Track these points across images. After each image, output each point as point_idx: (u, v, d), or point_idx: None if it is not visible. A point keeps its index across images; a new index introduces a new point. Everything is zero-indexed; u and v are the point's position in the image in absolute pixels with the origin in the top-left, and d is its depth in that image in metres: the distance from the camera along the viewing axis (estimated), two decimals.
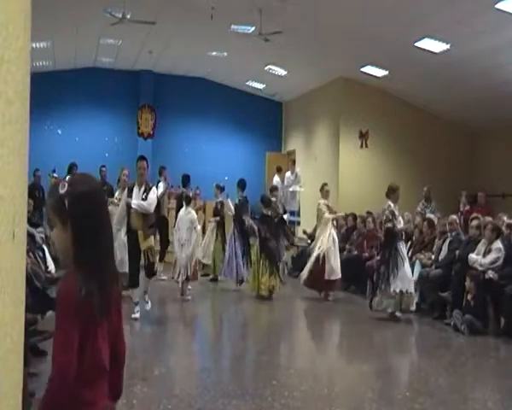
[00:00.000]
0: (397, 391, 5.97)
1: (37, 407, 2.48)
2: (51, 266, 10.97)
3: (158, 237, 11.30)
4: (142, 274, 8.77)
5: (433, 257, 10.29)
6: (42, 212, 14.48)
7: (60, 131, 18.60)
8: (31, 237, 9.73)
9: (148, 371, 6.23)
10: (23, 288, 1.97)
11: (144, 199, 8.45)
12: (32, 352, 5.95)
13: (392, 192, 9.50)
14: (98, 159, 17.04)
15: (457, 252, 9.70)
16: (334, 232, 11.46)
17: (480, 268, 8.88)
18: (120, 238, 8.95)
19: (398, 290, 9.19)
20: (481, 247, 9.20)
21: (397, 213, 9.40)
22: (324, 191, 11.63)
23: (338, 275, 11.25)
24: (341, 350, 8.46)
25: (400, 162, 16.09)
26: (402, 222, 9.64)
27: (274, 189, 12.97)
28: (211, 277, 12.89)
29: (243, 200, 12.26)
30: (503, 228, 9.66)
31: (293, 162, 16.69)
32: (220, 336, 8.85)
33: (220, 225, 12.79)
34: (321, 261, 11.07)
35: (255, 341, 8.48)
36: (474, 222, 9.72)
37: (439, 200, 13.87)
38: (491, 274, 8.72)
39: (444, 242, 10.22)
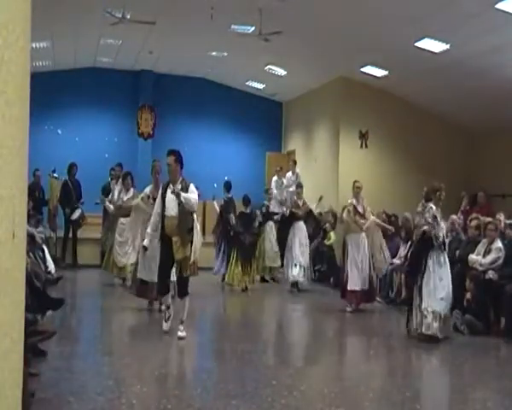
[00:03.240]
0: (397, 391, 5.97)
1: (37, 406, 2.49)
2: (51, 266, 11.00)
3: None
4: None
5: None
6: (42, 212, 14.49)
7: (60, 131, 18.60)
8: (31, 237, 9.73)
9: (148, 371, 6.22)
10: (23, 288, 1.97)
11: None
12: (31, 352, 5.94)
13: (433, 193, 8.39)
14: (98, 159, 17.06)
15: (457, 252, 9.70)
16: (360, 238, 10.32)
17: (480, 268, 8.88)
18: (154, 244, 7.99)
19: (425, 308, 7.98)
20: (481, 247, 9.21)
21: (439, 217, 8.19)
22: (354, 188, 10.55)
23: (356, 286, 10.15)
24: (341, 350, 8.45)
25: (400, 162, 16.08)
26: (444, 229, 8.37)
27: (299, 186, 13.31)
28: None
29: (228, 200, 12.82)
30: (502, 228, 9.68)
31: (294, 162, 16.69)
32: (220, 335, 8.85)
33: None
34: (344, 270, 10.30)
35: (255, 341, 8.47)
36: (474, 222, 9.72)
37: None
38: (491, 274, 8.72)
39: None
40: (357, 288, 10.11)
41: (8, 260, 1.69)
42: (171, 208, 7.45)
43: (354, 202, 10.41)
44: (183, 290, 7.64)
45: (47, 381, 5.51)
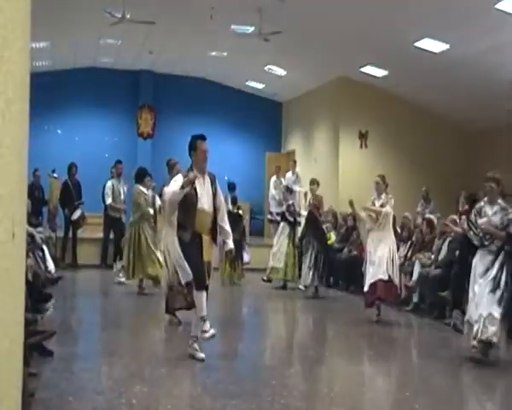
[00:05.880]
0: (397, 391, 5.97)
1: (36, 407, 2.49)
2: (51, 266, 10.99)
3: None
4: None
5: (432, 257, 10.29)
6: (41, 212, 14.49)
7: (60, 131, 18.61)
8: (31, 237, 9.74)
9: (148, 371, 6.22)
10: (23, 288, 1.96)
11: (214, 194, 6.58)
12: (38, 352, 5.95)
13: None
14: (98, 159, 17.06)
15: (457, 252, 9.69)
16: (373, 234, 9.27)
17: None
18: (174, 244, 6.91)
19: (468, 318, 7.03)
20: None
21: (489, 211, 6.85)
22: (374, 183, 9.65)
23: (372, 278, 9.06)
24: (341, 350, 8.44)
25: (400, 162, 16.09)
26: (493, 223, 6.81)
27: (314, 182, 12.41)
28: (281, 283, 12.36)
29: None
30: None
31: (295, 162, 16.69)
32: (220, 335, 8.84)
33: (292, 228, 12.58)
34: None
35: (255, 341, 8.48)
36: None
37: (439, 200, 13.87)
38: None
39: (443, 242, 10.23)
40: (372, 279, 9.02)
41: (8, 260, 1.69)
42: (205, 202, 6.48)
43: (374, 197, 9.46)
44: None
45: (47, 381, 5.50)
